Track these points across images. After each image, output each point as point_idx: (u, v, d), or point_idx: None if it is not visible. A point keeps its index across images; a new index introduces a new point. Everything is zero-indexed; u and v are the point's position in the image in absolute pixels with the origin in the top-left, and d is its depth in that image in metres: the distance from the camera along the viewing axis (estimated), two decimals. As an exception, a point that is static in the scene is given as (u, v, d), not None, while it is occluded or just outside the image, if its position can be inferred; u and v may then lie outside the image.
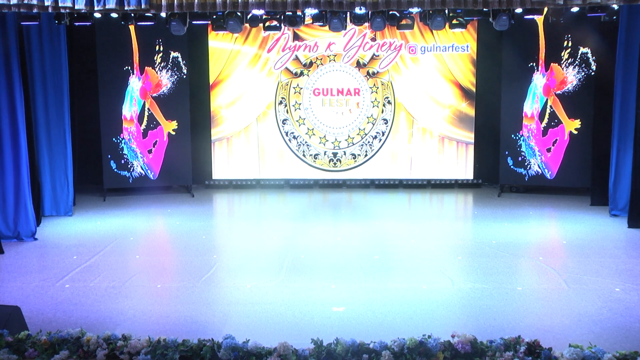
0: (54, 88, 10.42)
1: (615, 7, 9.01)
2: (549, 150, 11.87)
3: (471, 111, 12.61)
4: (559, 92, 11.66)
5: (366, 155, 12.92)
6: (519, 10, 8.91)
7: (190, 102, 12.40)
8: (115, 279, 7.47)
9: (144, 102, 12.07)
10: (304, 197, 12.55)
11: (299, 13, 9.22)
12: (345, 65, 12.65)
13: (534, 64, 11.76)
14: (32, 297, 6.91)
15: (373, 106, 12.75)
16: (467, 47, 12.42)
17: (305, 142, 12.90)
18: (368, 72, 12.64)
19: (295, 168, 13.01)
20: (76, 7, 7.52)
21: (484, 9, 8.14)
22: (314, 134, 12.87)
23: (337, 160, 12.97)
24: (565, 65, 11.57)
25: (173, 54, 12.04)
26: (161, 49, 12.00)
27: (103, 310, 6.51)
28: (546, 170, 11.95)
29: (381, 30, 11.23)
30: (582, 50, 11.44)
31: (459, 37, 12.35)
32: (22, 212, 9.26)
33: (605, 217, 10.34)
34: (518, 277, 7.51)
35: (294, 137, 12.88)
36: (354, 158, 12.95)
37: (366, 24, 9.82)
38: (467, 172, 12.87)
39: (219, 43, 12.57)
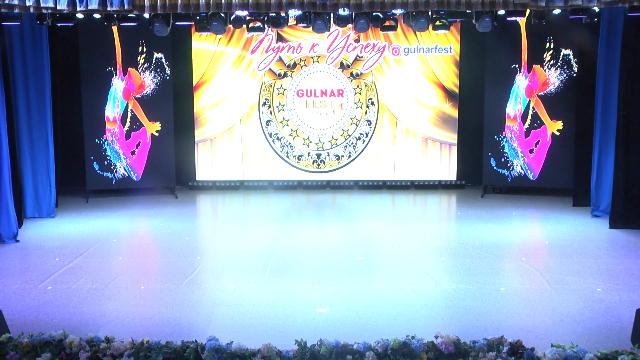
0: (36, 89, 10.34)
1: (597, 9, 9.09)
2: (531, 151, 11.95)
3: (454, 112, 12.66)
4: (541, 93, 11.75)
5: (350, 156, 12.94)
6: (501, 12, 8.94)
7: (174, 103, 12.35)
8: (98, 281, 7.43)
9: (127, 103, 12.00)
10: (288, 198, 12.53)
11: (282, 14, 9.20)
12: (328, 67, 12.66)
13: (517, 66, 11.84)
14: (14, 299, 6.84)
15: (357, 107, 12.76)
16: (451, 48, 12.47)
17: (289, 143, 12.89)
18: (352, 74, 12.66)
19: (279, 169, 12.99)
20: (58, 8, 7.48)
21: (467, 11, 8.20)
22: (297, 135, 12.87)
23: (320, 162, 12.97)
24: (548, 66, 11.66)
25: (156, 55, 11.99)
26: (144, 50, 11.94)
27: (86, 313, 6.47)
28: (529, 172, 12.03)
29: (365, 32, 11.23)
30: (564, 52, 11.54)
31: (442, 39, 12.40)
32: (3, 213, 9.15)
33: (587, 217, 10.43)
34: (501, 278, 7.55)
35: (278, 139, 12.87)
36: (338, 159, 12.96)
37: (350, 25, 9.81)
38: (450, 173, 12.91)
39: (202, 44, 12.53)
